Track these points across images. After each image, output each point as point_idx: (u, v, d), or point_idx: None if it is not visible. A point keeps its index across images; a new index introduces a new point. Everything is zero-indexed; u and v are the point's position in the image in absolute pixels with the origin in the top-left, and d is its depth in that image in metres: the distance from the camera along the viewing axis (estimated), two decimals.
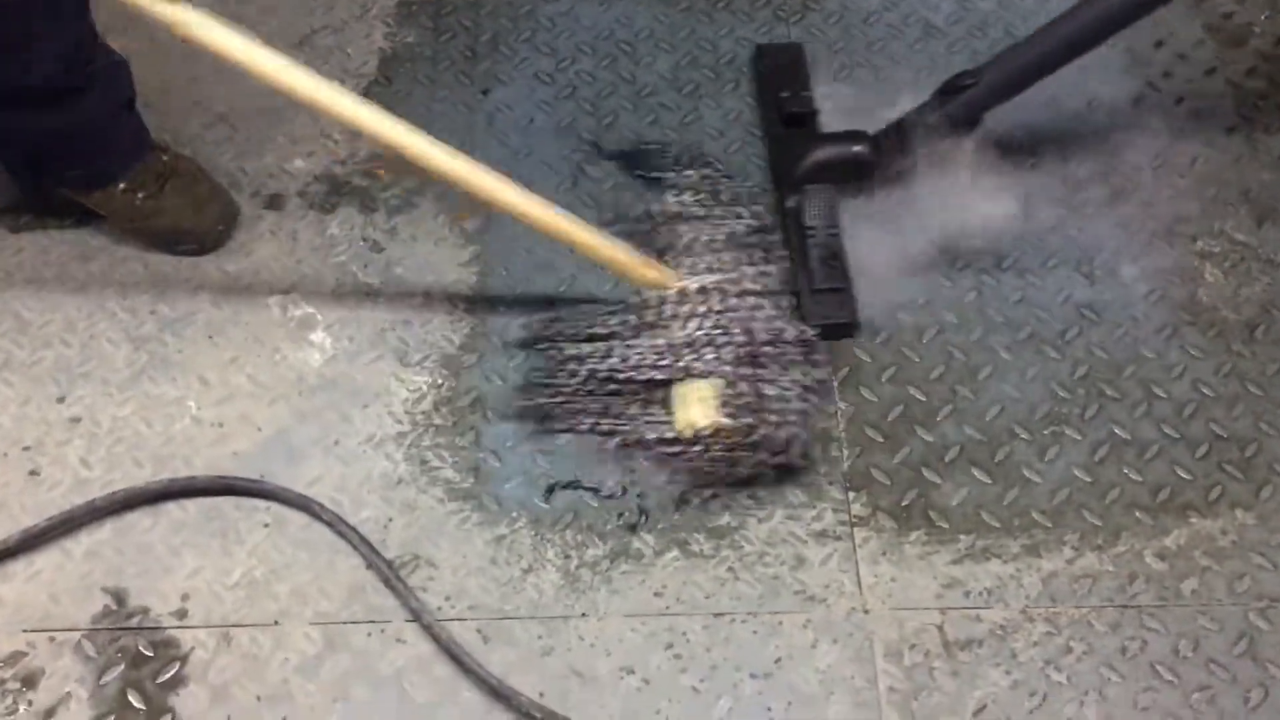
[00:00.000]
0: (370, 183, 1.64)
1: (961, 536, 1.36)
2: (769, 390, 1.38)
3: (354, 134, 1.66)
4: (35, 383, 1.46)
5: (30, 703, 1.25)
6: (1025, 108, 1.69)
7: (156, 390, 1.46)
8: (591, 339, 1.45)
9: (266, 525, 1.37)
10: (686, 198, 1.57)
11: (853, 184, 1.57)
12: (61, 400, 1.45)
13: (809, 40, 1.78)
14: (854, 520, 1.37)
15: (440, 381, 1.47)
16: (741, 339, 1.39)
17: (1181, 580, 1.33)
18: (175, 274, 1.55)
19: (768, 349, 1.41)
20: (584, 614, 1.31)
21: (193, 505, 1.38)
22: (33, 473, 1.40)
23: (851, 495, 1.39)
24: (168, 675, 1.27)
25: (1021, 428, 1.44)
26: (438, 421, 1.44)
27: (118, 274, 1.55)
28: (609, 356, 1.42)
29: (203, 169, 1.59)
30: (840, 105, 1.68)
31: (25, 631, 1.29)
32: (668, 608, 1.32)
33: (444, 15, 1.81)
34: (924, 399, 1.46)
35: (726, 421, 1.34)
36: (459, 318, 1.52)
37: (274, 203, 1.62)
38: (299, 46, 1.76)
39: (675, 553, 1.35)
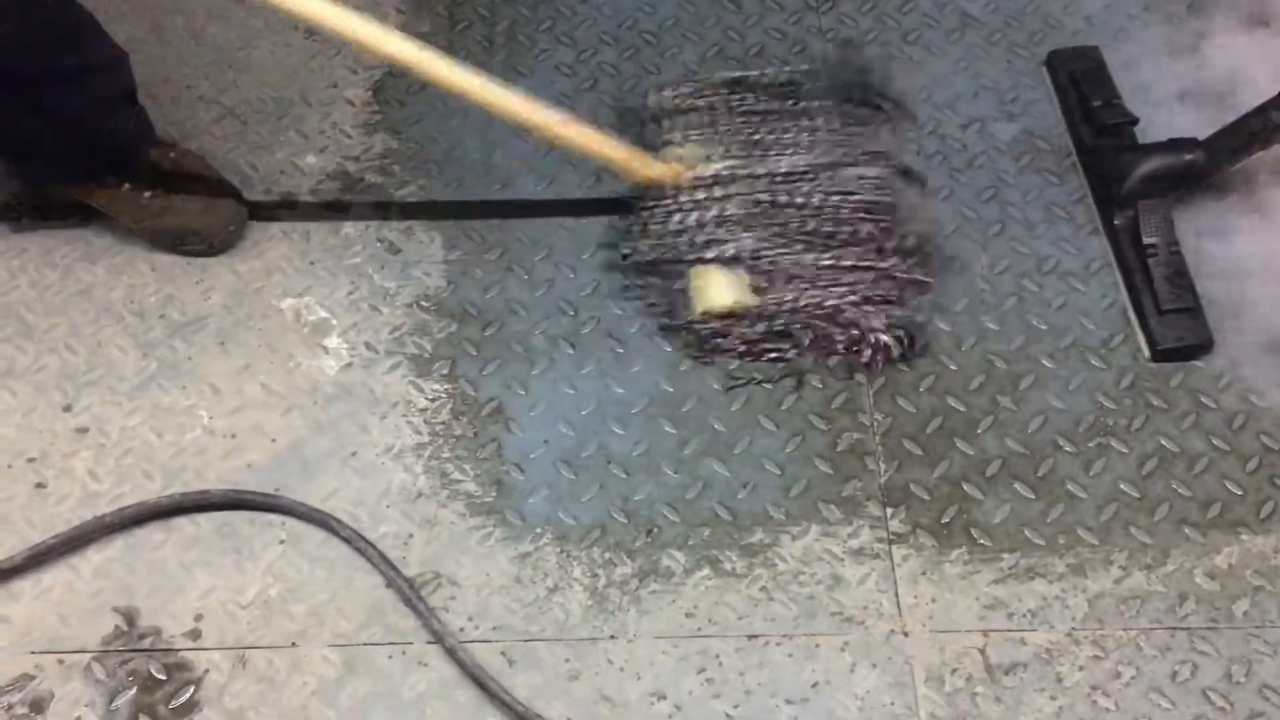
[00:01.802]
0: (385, 179, 1.58)
1: (1004, 555, 1.31)
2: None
3: (368, 129, 1.62)
4: (40, 391, 1.41)
5: None
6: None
7: (166, 399, 1.41)
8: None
9: (282, 541, 1.32)
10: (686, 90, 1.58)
11: (1184, 194, 1.50)
12: (68, 409, 1.40)
13: (840, 29, 1.71)
14: (892, 537, 1.32)
15: (459, 389, 1.42)
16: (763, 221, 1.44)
17: (1233, 601, 1.28)
18: (184, 276, 1.50)
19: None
20: (613, 636, 1.26)
21: (205, 520, 1.33)
22: (39, 486, 1.35)
23: (889, 511, 1.34)
24: (181, 700, 1.22)
25: (1066, 440, 1.38)
26: (458, 432, 1.39)
27: (125, 276, 1.50)
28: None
29: (212, 166, 1.53)
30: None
31: (33, 653, 1.25)
32: (700, 629, 1.27)
33: (459, 3, 1.75)
34: (964, 410, 1.40)
35: (746, 301, 1.40)
36: (480, 323, 1.46)
37: (287, 201, 1.56)
38: (311, 36, 1.70)
39: (706, 571, 1.30)
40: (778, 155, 1.47)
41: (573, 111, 1.39)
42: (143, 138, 1.47)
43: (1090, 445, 1.38)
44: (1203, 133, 1.49)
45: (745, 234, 1.42)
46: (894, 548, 1.32)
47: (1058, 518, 1.33)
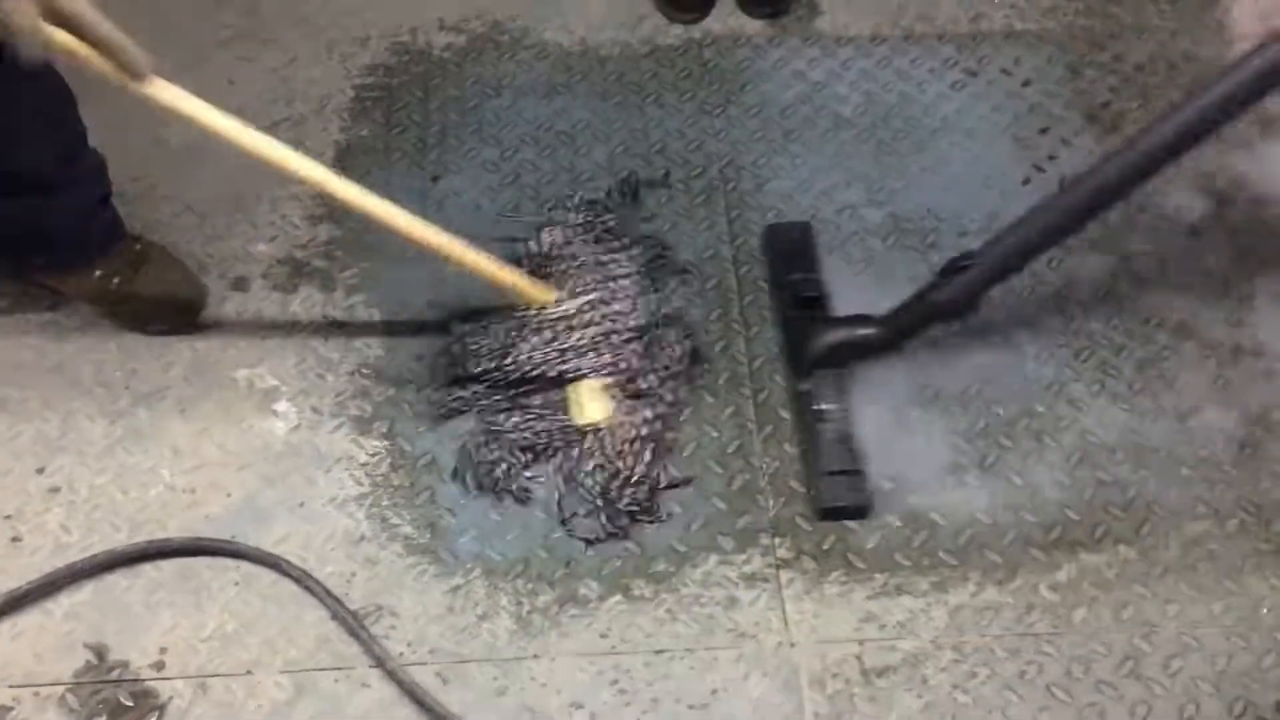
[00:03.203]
0: (329, 264, 1.77)
1: (876, 575, 1.51)
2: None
3: (313, 220, 1.82)
4: (15, 456, 1.56)
5: None
6: (924, 188, 1.89)
7: (131, 460, 1.57)
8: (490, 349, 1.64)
9: (237, 583, 1.47)
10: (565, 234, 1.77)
11: (862, 364, 1.64)
12: (41, 471, 1.55)
13: (731, 130, 1.96)
14: (779, 563, 1.51)
15: (397, 446, 1.59)
16: (619, 351, 1.64)
17: (1073, 609, 1.48)
18: (148, 352, 1.67)
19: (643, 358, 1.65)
20: (536, 655, 1.43)
21: (168, 565, 1.48)
22: (15, 539, 1.49)
23: (777, 541, 1.53)
24: None
25: (929, 477, 1.59)
26: (396, 482, 1.56)
27: (93, 354, 1.66)
28: (506, 358, 1.62)
29: (173, 255, 1.71)
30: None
31: (11, 687, 1.38)
32: (613, 647, 1.44)
33: (395, 110, 1.96)
34: None
35: (619, 416, 1.58)
36: (415, 387, 1.65)
37: (240, 284, 1.74)
38: None
39: (618, 597, 1.48)
40: (614, 287, 1.70)
41: (468, 240, 1.57)
42: (113, 233, 1.65)
43: (950, 479, 1.59)
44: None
45: (594, 355, 1.62)
46: (781, 572, 1.51)
47: (922, 543, 1.53)
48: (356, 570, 1.49)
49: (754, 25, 2.10)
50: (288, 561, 1.47)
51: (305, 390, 1.64)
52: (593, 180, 1.88)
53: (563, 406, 1.61)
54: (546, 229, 1.77)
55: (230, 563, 1.48)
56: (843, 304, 1.73)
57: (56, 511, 1.52)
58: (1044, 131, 1.98)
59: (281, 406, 1.62)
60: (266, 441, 1.59)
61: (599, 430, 1.58)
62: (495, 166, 1.90)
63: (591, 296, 1.67)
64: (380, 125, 1.95)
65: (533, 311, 1.65)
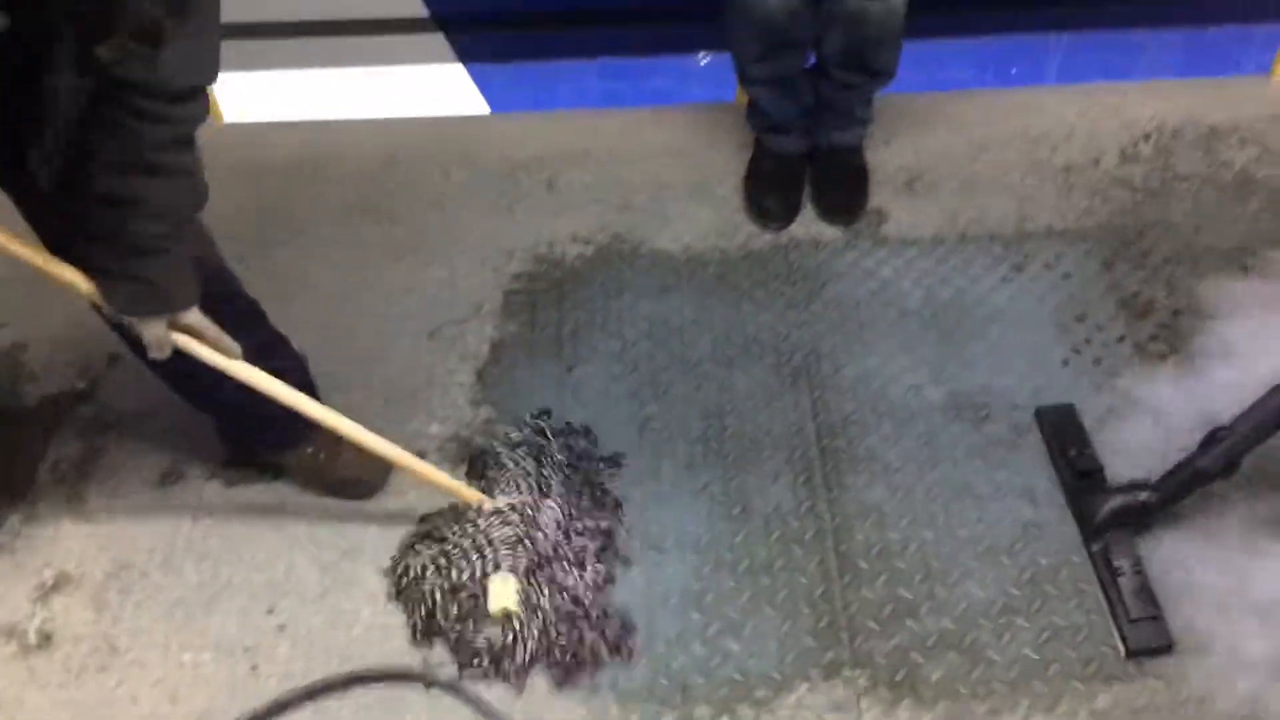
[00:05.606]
0: (488, 440, 2.18)
1: (942, 702, 1.82)
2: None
3: (475, 404, 2.24)
4: (252, 598, 1.98)
5: None
6: (980, 369, 2.25)
7: (340, 604, 1.97)
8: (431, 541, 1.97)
9: (426, 704, 1.85)
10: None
11: (1143, 525, 1.93)
12: (270, 612, 1.96)
13: (813, 322, 2.35)
14: (860, 691, 1.84)
15: None
16: (537, 549, 1.92)
17: None
18: (349, 513, 2.09)
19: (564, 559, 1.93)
20: None
21: (372, 689, 1.86)
22: (253, 668, 1.90)
23: (858, 673, 1.86)
24: None
25: (984, 618, 1.91)
26: None
27: (305, 515, 2.09)
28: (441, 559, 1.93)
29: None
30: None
31: None
32: None
33: (538, 311, 2.39)
34: (910, 598, 1.94)
35: (518, 610, 1.85)
36: None
37: (419, 458, 2.16)
38: (431, 338, 2.34)
39: (726, 718, 1.82)
40: (546, 496, 1.99)
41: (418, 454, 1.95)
42: None
43: (1001, 621, 1.90)
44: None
45: (514, 556, 1.90)
46: (861, 699, 1.83)
47: (979, 675, 1.85)
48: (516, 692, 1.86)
49: (831, 231, 2.51)
50: (465, 685, 1.85)
51: None
52: (699, 366, 2.28)
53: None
54: (500, 443, 2.11)
55: (419, 687, 1.87)
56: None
57: (284, 645, 1.92)
58: (1080, 319, 2.33)
59: None
60: None
61: (508, 617, 1.86)
62: (619, 357, 2.31)
63: (514, 500, 1.96)
64: (525, 324, 2.38)
65: (471, 509, 1.97)
